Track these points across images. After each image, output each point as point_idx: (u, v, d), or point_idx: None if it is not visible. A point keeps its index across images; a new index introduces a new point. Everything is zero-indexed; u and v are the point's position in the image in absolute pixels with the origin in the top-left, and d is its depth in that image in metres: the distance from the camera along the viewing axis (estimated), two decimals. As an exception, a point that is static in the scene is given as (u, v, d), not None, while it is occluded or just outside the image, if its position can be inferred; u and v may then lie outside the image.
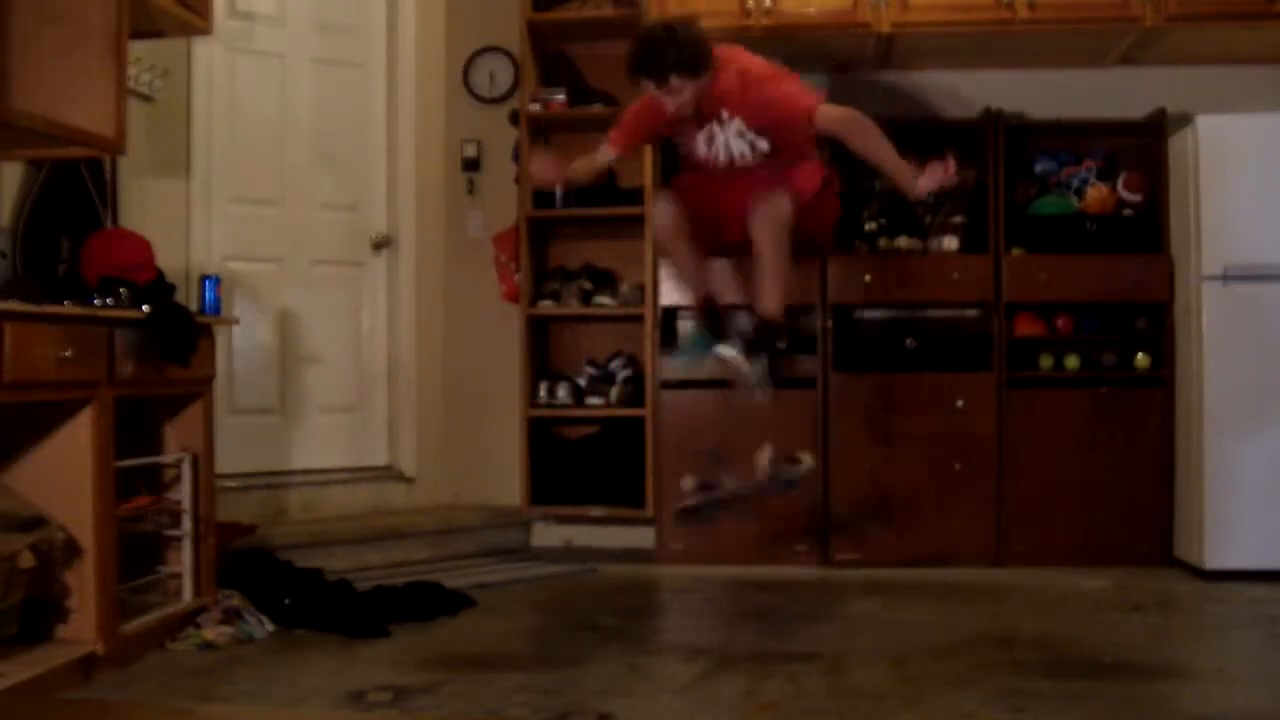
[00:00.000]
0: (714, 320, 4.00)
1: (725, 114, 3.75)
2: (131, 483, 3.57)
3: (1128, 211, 5.09)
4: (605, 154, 3.96)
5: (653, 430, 5.15)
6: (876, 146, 3.68)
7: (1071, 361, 5.07)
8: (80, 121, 3.39)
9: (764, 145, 3.77)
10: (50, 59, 3.40)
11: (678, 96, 3.68)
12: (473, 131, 5.65)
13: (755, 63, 3.79)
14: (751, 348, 3.84)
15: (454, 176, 5.67)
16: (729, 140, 3.79)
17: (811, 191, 3.85)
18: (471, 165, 5.65)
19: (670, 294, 5.13)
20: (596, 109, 5.34)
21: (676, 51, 3.64)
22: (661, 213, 3.95)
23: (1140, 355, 5.02)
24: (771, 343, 3.90)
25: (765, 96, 3.68)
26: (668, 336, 5.18)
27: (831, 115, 3.64)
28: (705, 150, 3.85)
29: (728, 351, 3.84)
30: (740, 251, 3.90)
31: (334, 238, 5.39)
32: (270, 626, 3.81)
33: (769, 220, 3.72)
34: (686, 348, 4.19)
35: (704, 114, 3.78)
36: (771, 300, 3.80)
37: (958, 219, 5.11)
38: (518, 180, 5.40)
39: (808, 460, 4.05)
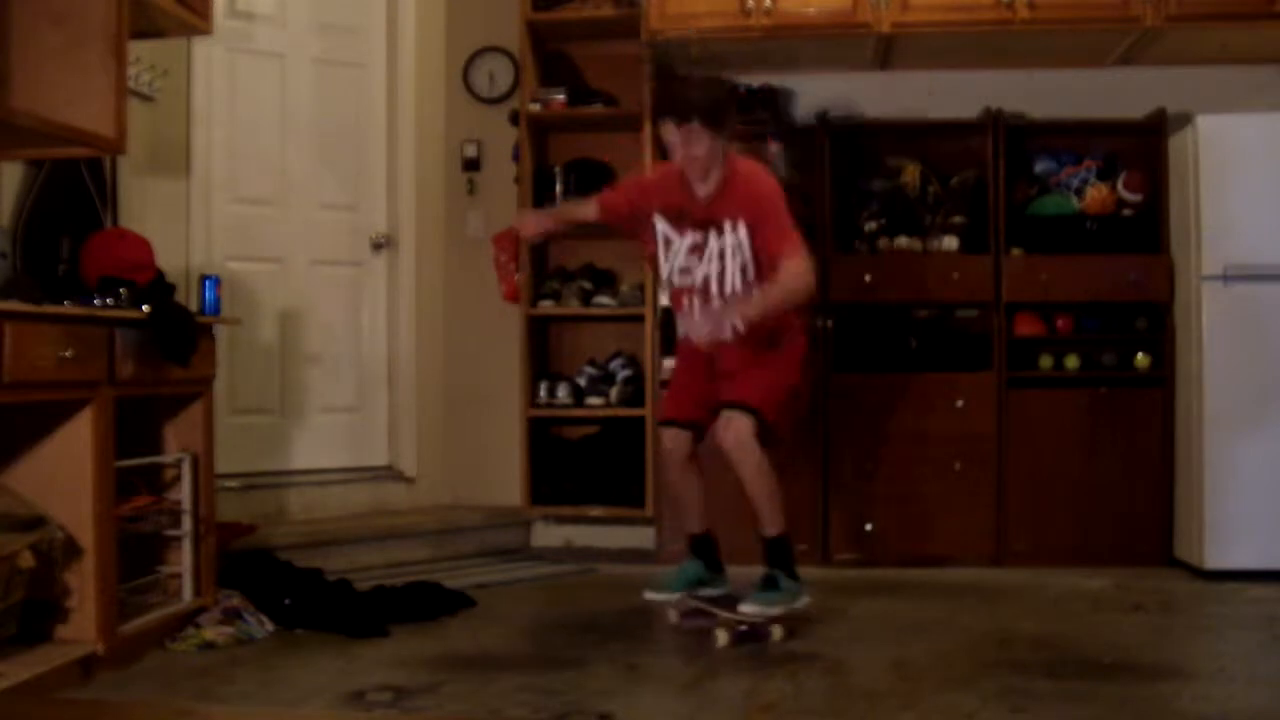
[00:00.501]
0: (711, 552, 4.04)
1: (728, 224, 3.76)
2: (131, 483, 3.57)
3: (1128, 211, 5.09)
4: (588, 211, 4.12)
5: (653, 430, 5.15)
6: (784, 282, 3.65)
7: (1071, 361, 5.07)
8: (80, 121, 3.39)
9: (749, 269, 3.75)
10: (50, 59, 3.39)
11: (693, 147, 3.68)
12: (473, 131, 5.65)
13: (768, 185, 3.81)
14: (768, 579, 3.80)
15: (454, 176, 5.67)
16: (721, 253, 3.77)
17: (787, 388, 3.86)
18: (471, 165, 5.65)
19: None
20: (596, 109, 5.35)
21: (702, 95, 3.70)
22: (672, 437, 3.91)
23: (1140, 355, 5.02)
24: (788, 559, 3.86)
25: (763, 207, 3.73)
26: (668, 336, 5.18)
27: (792, 270, 3.65)
28: (683, 259, 3.83)
29: (751, 609, 3.71)
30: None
31: (334, 238, 5.39)
32: (270, 626, 3.81)
33: (739, 449, 3.72)
34: (679, 584, 3.94)
35: (702, 217, 3.79)
36: (773, 522, 3.84)
37: (958, 219, 5.11)
38: (518, 180, 5.40)
39: (777, 634, 3.73)
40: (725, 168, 3.77)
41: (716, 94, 3.77)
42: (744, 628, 3.73)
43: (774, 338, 3.81)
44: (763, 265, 3.74)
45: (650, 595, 3.95)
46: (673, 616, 3.96)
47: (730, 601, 3.82)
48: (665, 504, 5.13)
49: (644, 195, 3.99)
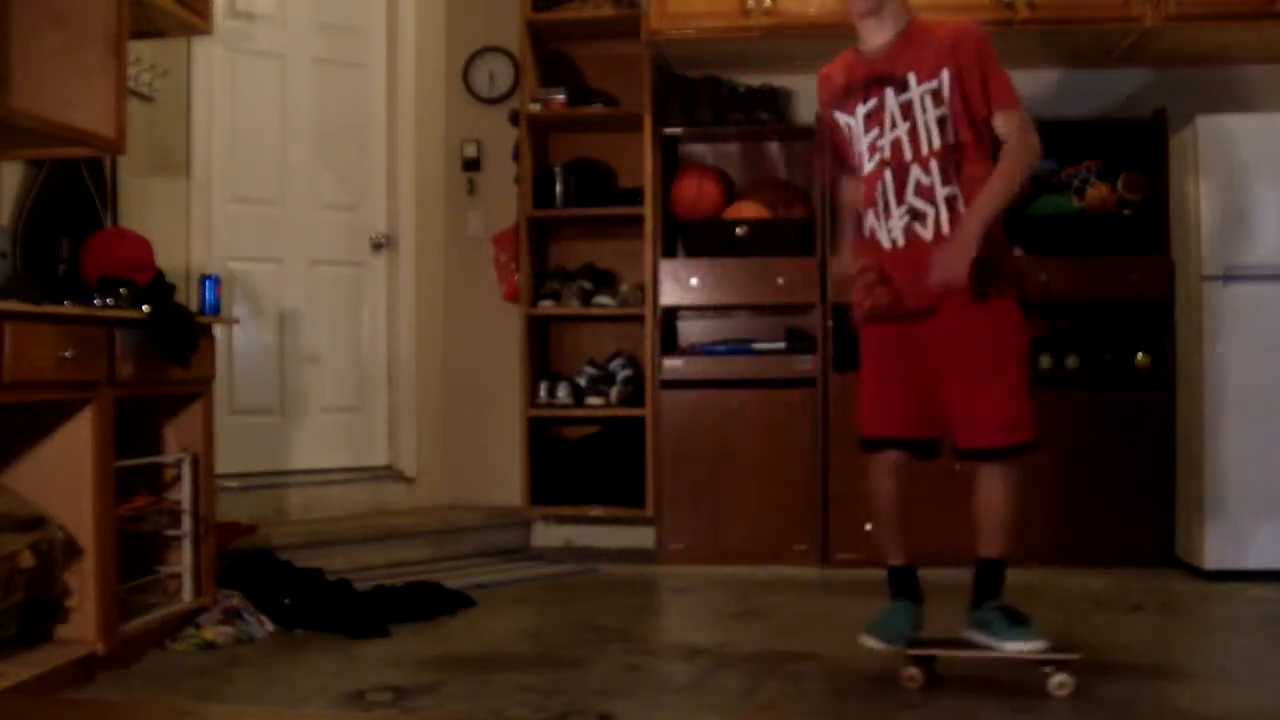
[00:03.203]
0: (914, 586, 3.44)
1: (913, 76, 3.19)
2: (131, 483, 3.57)
3: (1128, 211, 5.09)
4: (851, 181, 3.46)
5: (653, 430, 5.16)
6: (1011, 168, 3.16)
7: (1071, 361, 5.07)
8: (80, 121, 3.39)
9: (949, 124, 3.17)
10: (50, 59, 3.39)
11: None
12: (473, 131, 5.65)
13: (971, 26, 3.33)
14: (981, 615, 3.21)
15: (454, 176, 5.67)
16: (908, 107, 3.18)
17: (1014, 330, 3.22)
18: (471, 165, 5.65)
19: (670, 294, 5.14)
20: (596, 109, 5.34)
21: None
22: (886, 463, 3.36)
23: (1140, 355, 5.02)
24: (999, 586, 3.25)
25: (968, 49, 3.21)
26: (668, 336, 5.18)
27: (1013, 125, 3.17)
28: (866, 139, 3.25)
29: (1015, 645, 3.12)
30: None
31: (334, 238, 5.39)
32: (270, 626, 3.81)
33: (1001, 499, 3.22)
34: (889, 632, 3.28)
35: (877, 74, 3.23)
36: (997, 544, 3.27)
37: (958, 219, 5.10)
38: (518, 180, 5.40)
39: (1064, 688, 3.08)
40: (907, 17, 3.28)
41: None
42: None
43: (985, 277, 3.12)
44: (966, 127, 3.19)
45: (870, 643, 3.28)
46: (916, 677, 3.19)
47: (956, 643, 3.27)
48: (665, 504, 5.14)
49: (825, 107, 3.43)
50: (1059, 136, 5.25)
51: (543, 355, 5.54)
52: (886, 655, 3.27)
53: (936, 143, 3.18)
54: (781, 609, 4.17)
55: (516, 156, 5.42)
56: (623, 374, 5.32)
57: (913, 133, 3.19)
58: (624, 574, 4.92)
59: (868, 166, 3.27)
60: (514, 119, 5.42)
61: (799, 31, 4.96)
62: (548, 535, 5.47)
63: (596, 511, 5.29)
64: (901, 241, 3.22)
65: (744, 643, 3.70)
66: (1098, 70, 5.31)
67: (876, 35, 3.27)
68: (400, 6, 5.51)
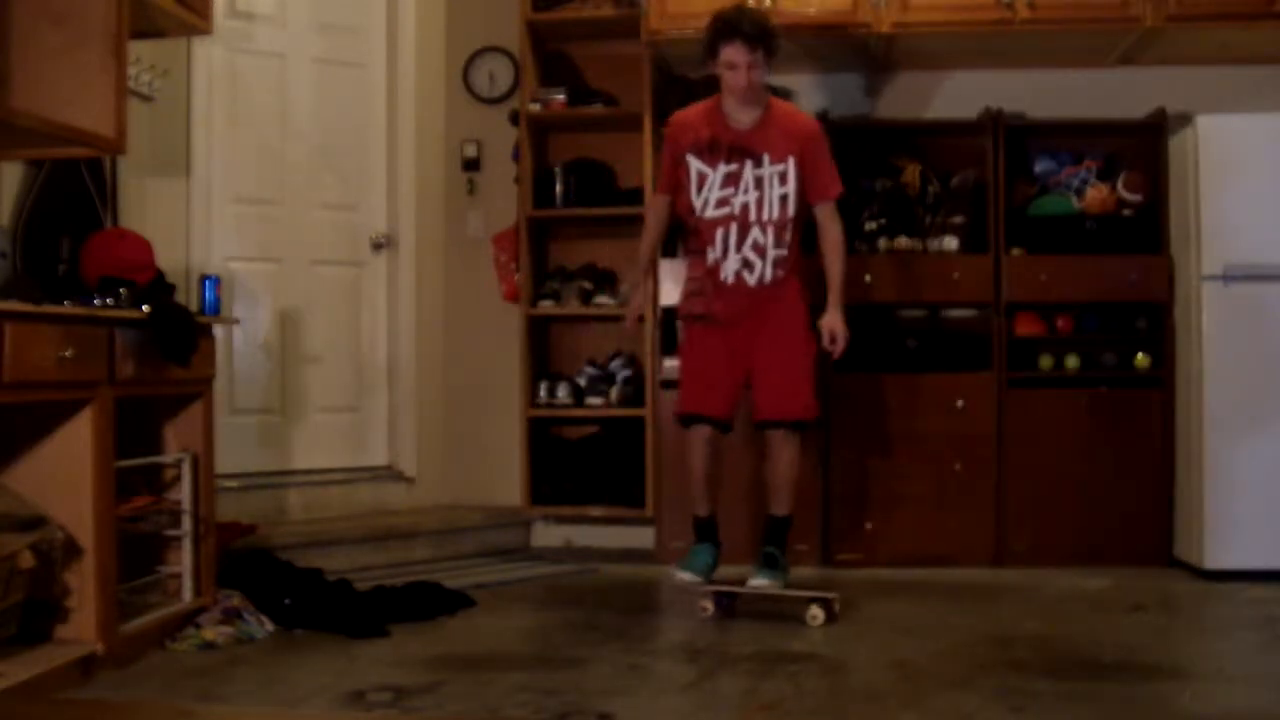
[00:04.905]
0: (713, 532, 4.22)
1: (767, 156, 4.01)
2: (131, 483, 3.57)
3: (1128, 211, 5.09)
4: (660, 214, 4.30)
5: (653, 430, 5.16)
6: (840, 260, 4.13)
7: (1071, 361, 5.07)
8: (80, 121, 3.39)
9: (790, 201, 4.02)
10: (50, 59, 3.39)
11: (756, 72, 3.95)
12: (473, 131, 5.65)
13: (811, 120, 4.19)
14: (767, 557, 4.12)
15: (454, 176, 5.67)
16: (759, 181, 4.01)
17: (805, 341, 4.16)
18: (471, 165, 5.65)
19: (670, 294, 5.12)
20: (596, 109, 5.35)
21: (769, 25, 4.03)
22: (701, 435, 4.11)
23: (1140, 355, 5.02)
24: (784, 537, 4.18)
25: (813, 145, 4.06)
26: (668, 336, 5.17)
27: (833, 213, 4.12)
28: (719, 191, 4.05)
29: (760, 581, 4.05)
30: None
31: (334, 238, 5.39)
32: (270, 626, 3.81)
33: (788, 462, 4.12)
34: (696, 566, 4.11)
35: (739, 146, 4.02)
36: (787, 503, 4.18)
37: (958, 219, 5.11)
38: (518, 180, 5.40)
39: (818, 619, 3.90)
40: (768, 102, 4.07)
41: (769, 26, 4.06)
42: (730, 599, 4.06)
43: (781, 289, 4.09)
44: (796, 204, 4.04)
45: (683, 576, 4.09)
46: (709, 609, 4.03)
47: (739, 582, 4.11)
48: (665, 504, 5.14)
49: (677, 145, 4.14)
50: (1059, 136, 5.28)
51: (543, 355, 5.54)
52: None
53: (776, 214, 4.03)
54: (781, 609, 4.16)
55: (516, 156, 5.42)
56: (623, 374, 5.32)
57: (759, 201, 4.02)
58: (624, 574, 4.92)
59: (712, 212, 4.07)
60: (514, 119, 5.42)
61: (799, 31, 4.96)
62: (548, 535, 5.47)
63: (596, 511, 5.29)
64: (731, 280, 4.08)
65: (744, 643, 3.69)
66: (1098, 70, 5.31)
67: (744, 115, 4.04)
68: (400, 6, 5.51)
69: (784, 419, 4.08)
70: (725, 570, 4.23)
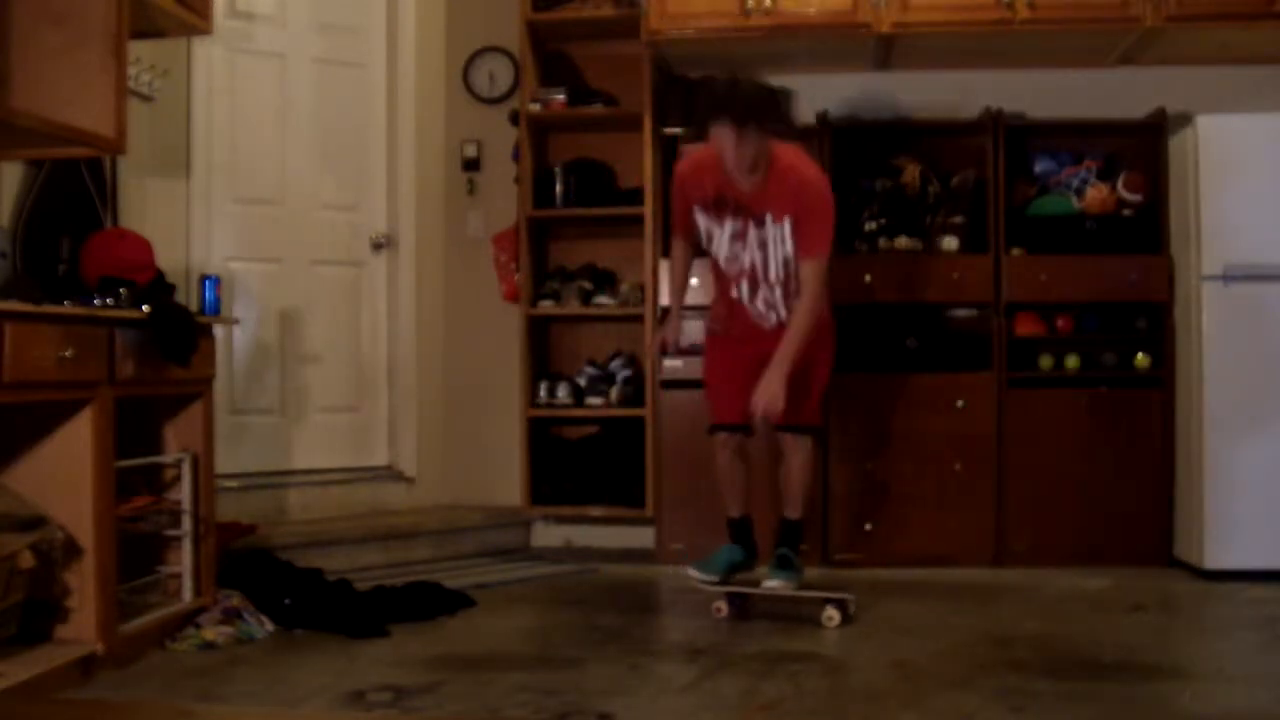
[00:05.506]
0: (748, 536, 4.25)
1: (769, 217, 3.92)
2: (131, 483, 3.57)
3: (1128, 211, 5.09)
4: (683, 254, 4.23)
5: (653, 430, 5.16)
6: (802, 320, 3.92)
7: (1071, 361, 5.07)
8: (80, 121, 3.39)
9: (791, 263, 3.95)
10: (50, 59, 3.39)
11: (746, 148, 3.80)
12: (473, 131, 5.65)
13: (812, 175, 3.96)
14: (780, 558, 4.14)
15: (454, 176, 5.67)
16: (763, 243, 3.95)
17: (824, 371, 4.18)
18: (471, 165, 5.65)
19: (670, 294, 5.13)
20: (596, 109, 5.35)
21: (753, 96, 3.82)
22: (725, 442, 4.16)
23: (1140, 355, 5.02)
24: (797, 540, 4.23)
25: (807, 204, 3.90)
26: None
27: (811, 273, 3.92)
28: (727, 247, 4.00)
29: (774, 583, 4.06)
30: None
31: (334, 238, 5.39)
32: (270, 626, 3.81)
33: (799, 465, 4.16)
34: (711, 566, 4.12)
35: (743, 205, 3.92)
36: (800, 506, 4.21)
37: (958, 219, 5.11)
38: (518, 180, 5.40)
39: (834, 620, 3.91)
40: (769, 160, 3.89)
41: (763, 94, 3.87)
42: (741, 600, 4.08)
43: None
44: (796, 261, 3.97)
45: (694, 574, 4.11)
46: (723, 610, 4.04)
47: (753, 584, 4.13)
48: (665, 504, 5.14)
49: (685, 198, 4.09)
50: (1059, 136, 5.28)
51: (543, 355, 5.54)
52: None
53: (781, 273, 3.99)
54: (781, 609, 4.16)
55: (516, 156, 5.42)
56: (623, 374, 5.32)
57: (765, 262, 3.98)
58: (624, 574, 4.92)
59: (724, 265, 4.06)
60: (514, 119, 5.42)
61: (799, 32, 4.97)
62: (548, 535, 5.47)
63: (596, 511, 5.29)
64: (752, 319, 4.10)
65: (744, 643, 3.69)
66: (1098, 70, 5.31)
67: (746, 180, 3.92)
68: (400, 6, 5.51)
69: (790, 424, 4.08)
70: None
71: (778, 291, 4.02)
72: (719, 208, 3.98)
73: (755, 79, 3.94)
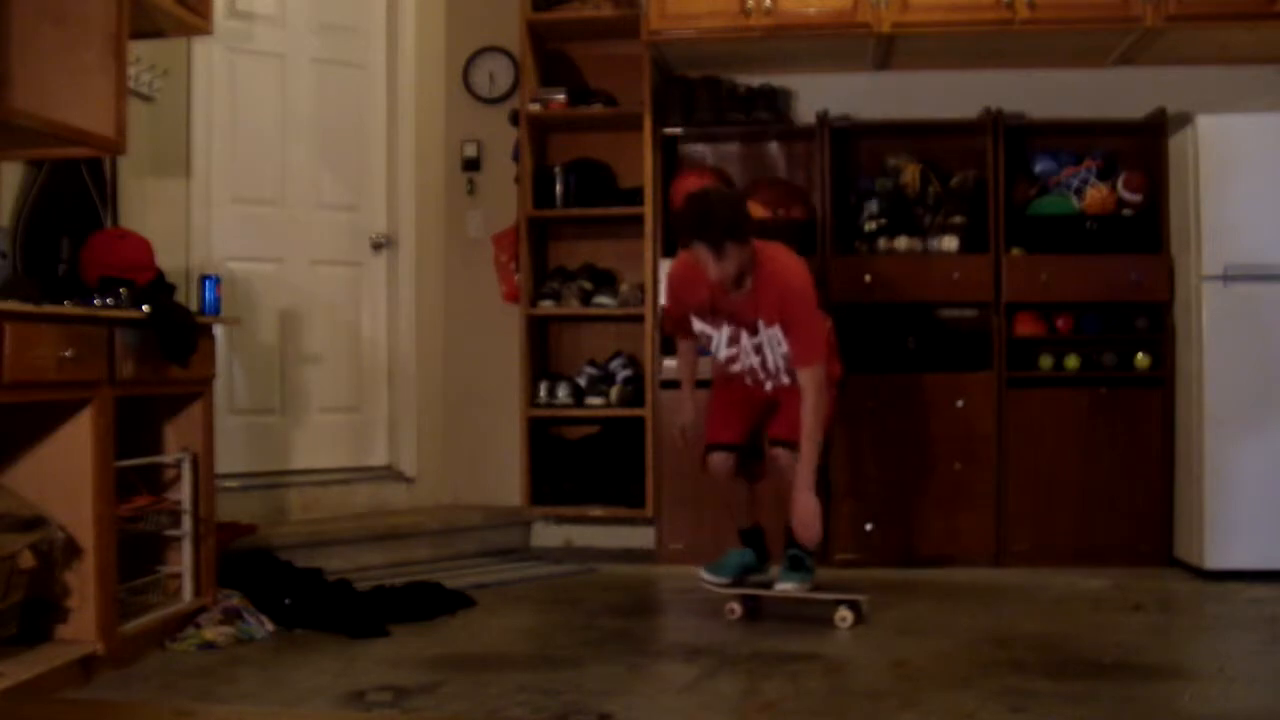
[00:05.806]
0: (759, 542, 4.31)
1: (761, 323, 3.98)
2: (131, 483, 3.57)
3: (1128, 211, 5.09)
4: (689, 352, 4.35)
5: (653, 430, 5.16)
6: (811, 429, 3.93)
7: (1071, 361, 5.07)
8: (80, 121, 3.39)
9: (786, 361, 4.01)
10: (50, 59, 3.39)
11: (727, 264, 3.85)
12: (473, 131, 5.65)
13: (796, 282, 3.96)
14: (792, 560, 4.13)
15: (454, 176, 5.67)
16: (758, 347, 4.02)
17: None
18: (471, 165, 5.65)
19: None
20: (596, 109, 5.35)
21: (728, 214, 3.85)
22: (719, 461, 4.20)
23: (1140, 355, 5.02)
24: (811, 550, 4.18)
25: (792, 310, 3.94)
26: (668, 338, 5.17)
27: (808, 380, 3.94)
28: (725, 349, 4.09)
29: (786, 584, 4.09)
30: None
31: (334, 238, 5.39)
32: (270, 626, 3.81)
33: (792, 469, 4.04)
34: (721, 568, 4.21)
35: (734, 312, 3.99)
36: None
37: (958, 219, 5.11)
38: (518, 180, 5.40)
39: (847, 620, 3.92)
40: (754, 265, 3.94)
41: (737, 208, 3.95)
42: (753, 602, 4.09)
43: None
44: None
45: (705, 577, 4.19)
46: (736, 611, 4.03)
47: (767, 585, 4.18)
48: (665, 504, 5.14)
49: (681, 303, 4.17)
50: (1059, 136, 5.27)
51: (543, 355, 5.54)
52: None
53: (781, 365, 4.04)
54: (781, 609, 4.16)
55: (516, 156, 5.42)
56: (623, 374, 5.32)
57: (763, 364, 4.07)
58: (624, 574, 4.92)
59: (726, 363, 4.13)
60: (514, 119, 5.42)
61: (799, 32, 4.97)
62: (548, 535, 5.47)
63: (596, 511, 5.29)
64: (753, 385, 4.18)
65: (744, 643, 3.69)
66: (1098, 70, 5.31)
67: (734, 291, 3.96)
68: (400, 6, 5.51)
69: (784, 439, 4.08)
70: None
71: (782, 377, 4.08)
72: (714, 314, 4.06)
73: (725, 192, 4.07)
